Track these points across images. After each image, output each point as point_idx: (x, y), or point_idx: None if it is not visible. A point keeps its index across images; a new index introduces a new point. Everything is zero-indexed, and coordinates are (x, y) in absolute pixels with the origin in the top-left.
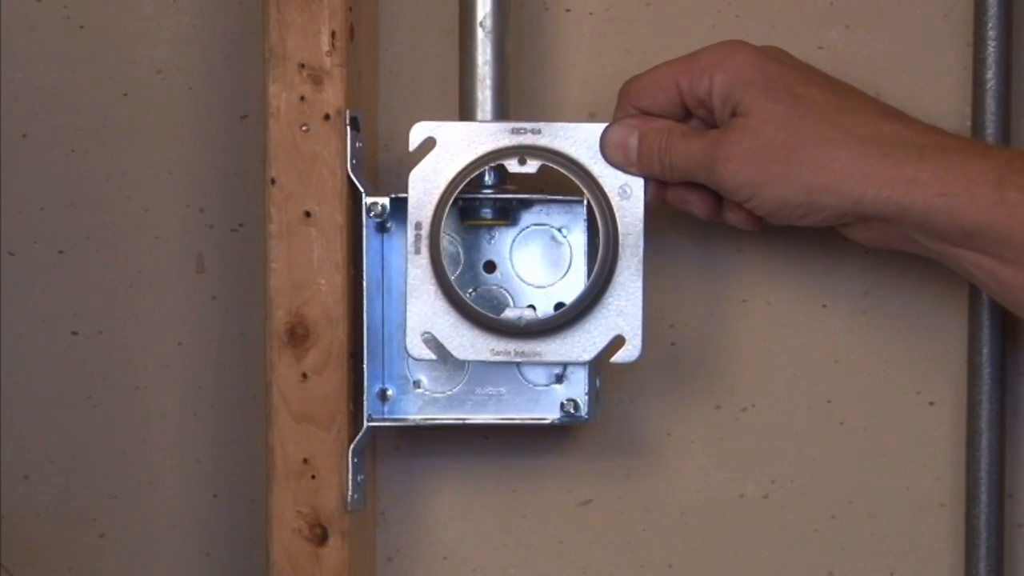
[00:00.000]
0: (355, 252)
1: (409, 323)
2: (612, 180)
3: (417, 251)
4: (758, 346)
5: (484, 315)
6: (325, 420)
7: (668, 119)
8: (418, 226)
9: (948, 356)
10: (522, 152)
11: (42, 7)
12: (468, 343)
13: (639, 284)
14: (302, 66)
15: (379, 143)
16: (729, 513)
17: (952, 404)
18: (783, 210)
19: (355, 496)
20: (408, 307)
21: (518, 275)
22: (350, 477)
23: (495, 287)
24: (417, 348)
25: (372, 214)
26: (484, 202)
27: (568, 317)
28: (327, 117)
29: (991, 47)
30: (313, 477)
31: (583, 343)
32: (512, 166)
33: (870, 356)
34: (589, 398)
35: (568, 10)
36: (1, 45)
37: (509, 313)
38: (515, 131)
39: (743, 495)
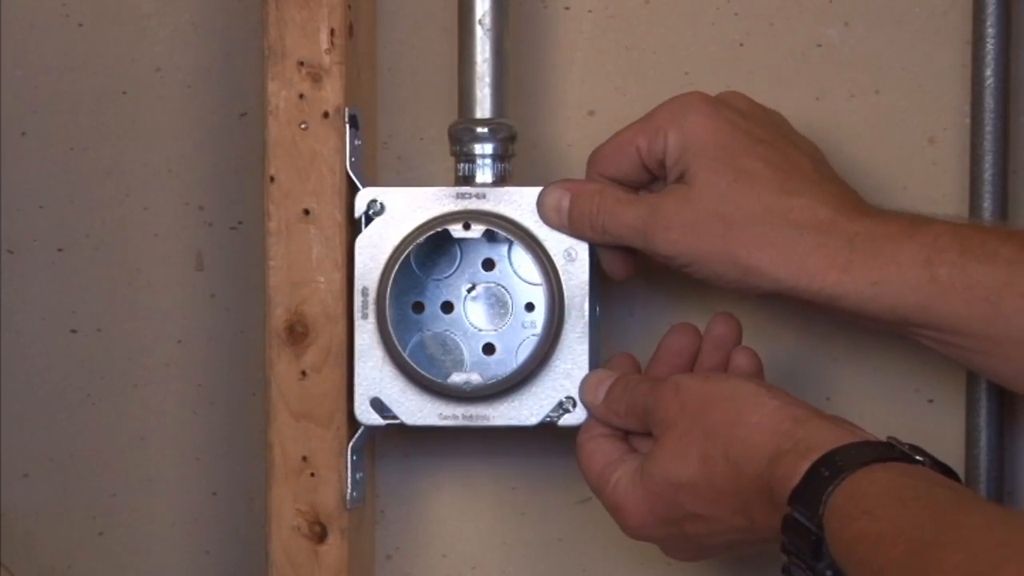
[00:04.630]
0: (354, 250)
1: (357, 388)
2: (557, 244)
3: (364, 316)
4: (757, 343)
5: (431, 380)
6: (324, 418)
7: (613, 183)
8: (364, 292)
9: None
10: (466, 217)
11: (41, 5)
12: (416, 408)
13: (585, 347)
14: (301, 64)
15: (378, 141)
16: None
17: (951, 402)
18: (719, 282)
19: (354, 494)
20: (356, 372)
21: (516, 272)
22: (349, 475)
23: (492, 286)
24: (365, 414)
25: (371, 211)
26: None
27: (514, 381)
28: (326, 115)
29: (990, 44)
30: (312, 475)
31: (530, 406)
32: (457, 231)
33: (869, 354)
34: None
35: (567, 8)
36: (1, 43)
37: (456, 378)
38: (460, 196)
39: None
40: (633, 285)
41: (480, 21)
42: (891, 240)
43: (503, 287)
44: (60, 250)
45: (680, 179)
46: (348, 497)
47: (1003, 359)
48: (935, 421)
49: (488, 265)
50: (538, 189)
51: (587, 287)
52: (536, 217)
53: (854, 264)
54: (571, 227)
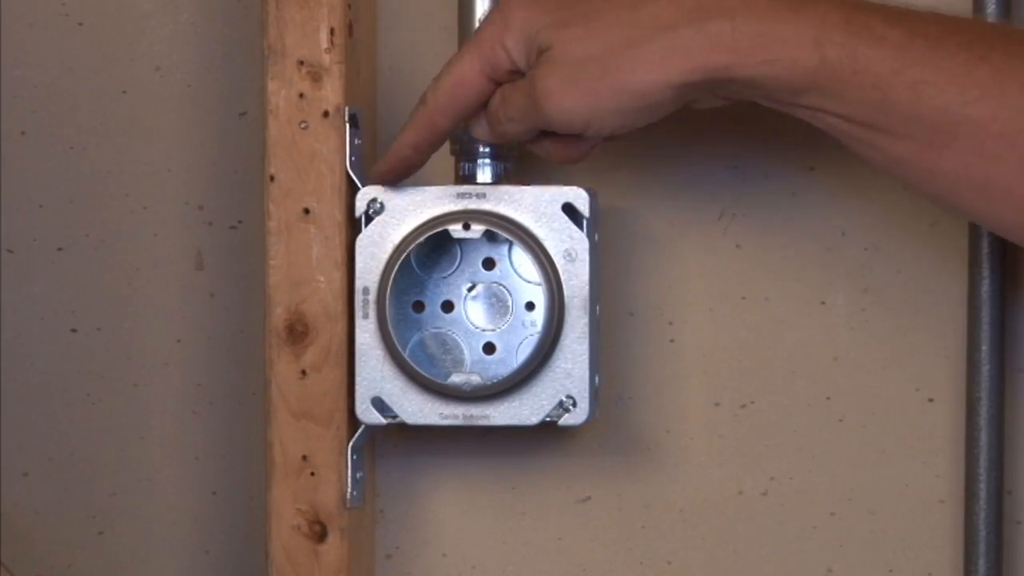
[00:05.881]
0: (354, 249)
1: (358, 388)
2: (557, 244)
3: (365, 316)
4: (757, 343)
5: (431, 380)
6: (324, 417)
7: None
8: (365, 291)
9: (947, 352)
10: (466, 217)
11: (41, 4)
12: (417, 408)
13: (585, 347)
14: (301, 63)
15: (378, 140)
16: (728, 510)
17: (951, 401)
18: (624, 121)
19: (354, 493)
20: (356, 371)
21: (517, 272)
22: (349, 474)
23: (495, 284)
24: (366, 413)
25: (371, 211)
26: None
27: (514, 381)
28: (326, 114)
29: None
30: (312, 474)
31: (531, 406)
32: (457, 231)
33: (869, 353)
34: (589, 398)
35: None
36: (1, 43)
37: (456, 378)
38: (460, 195)
39: (742, 492)
40: (633, 284)
41: (480, 21)
42: (776, 17)
43: (503, 286)
44: (60, 250)
45: (540, 57)
46: (348, 496)
47: (887, 152)
48: (935, 421)
49: (488, 264)
50: (539, 188)
51: (587, 287)
52: (536, 216)
53: (741, 44)
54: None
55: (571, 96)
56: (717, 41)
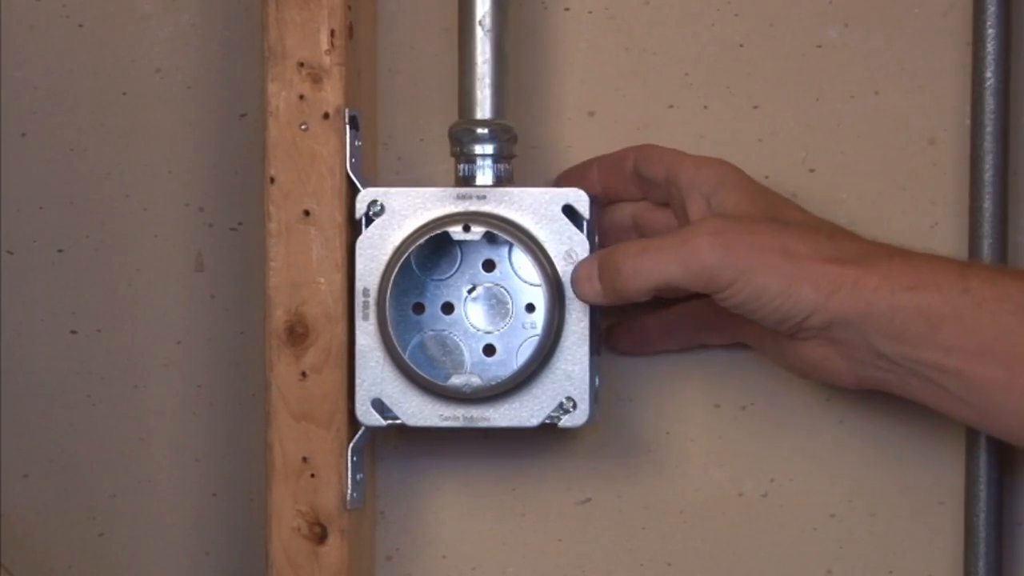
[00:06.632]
0: (354, 251)
1: (358, 389)
2: (557, 245)
3: (365, 317)
4: None
5: (431, 382)
6: (324, 419)
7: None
8: (365, 292)
9: None
10: (466, 219)
11: (41, 6)
12: (417, 409)
13: (585, 348)
14: (301, 65)
15: (378, 142)
16: (728, 512)
17: None
18: (759, 299)
19: (354, 495)
20: (357, 373)
21: (517, 273)
22: (349, 476)
23: (491, 286)
24: (366, 415)
25: (372, 212)
26: None
27: (515, 383)
28: (326, 116)
29: (990, 45)
30: (312, 476)
31: (531, 408)
32: (457, 233)
33: None
34: (589, 399)
35: (567, 9)
36: (1, 43)
37: (456, 380)
38: (461, 196)
39: (742, 494)
40: None
41: (480, 22)
42: (927, 257)
43: (503, 288)
44: (60, 251)
45: (711, 208)
46: (348, 498)
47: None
48: (935, 422)
49: (488, 266)
50: (539, 190)
51: None
52: (536, 218)
53: (894, 270)
54: (604, 290)
55: (735, 249)
56: (872, 268)
